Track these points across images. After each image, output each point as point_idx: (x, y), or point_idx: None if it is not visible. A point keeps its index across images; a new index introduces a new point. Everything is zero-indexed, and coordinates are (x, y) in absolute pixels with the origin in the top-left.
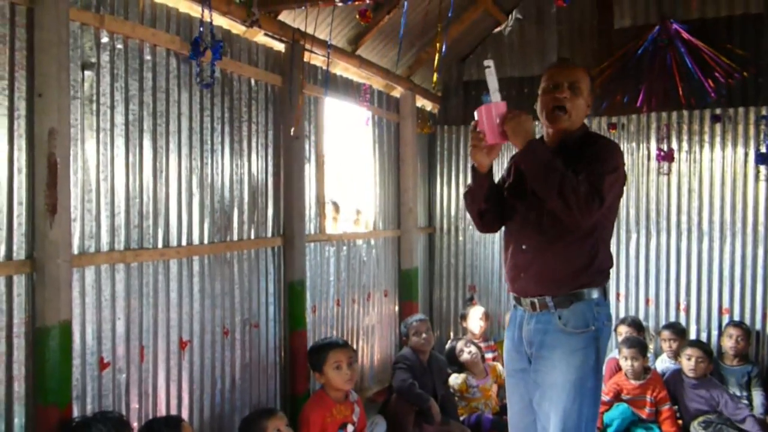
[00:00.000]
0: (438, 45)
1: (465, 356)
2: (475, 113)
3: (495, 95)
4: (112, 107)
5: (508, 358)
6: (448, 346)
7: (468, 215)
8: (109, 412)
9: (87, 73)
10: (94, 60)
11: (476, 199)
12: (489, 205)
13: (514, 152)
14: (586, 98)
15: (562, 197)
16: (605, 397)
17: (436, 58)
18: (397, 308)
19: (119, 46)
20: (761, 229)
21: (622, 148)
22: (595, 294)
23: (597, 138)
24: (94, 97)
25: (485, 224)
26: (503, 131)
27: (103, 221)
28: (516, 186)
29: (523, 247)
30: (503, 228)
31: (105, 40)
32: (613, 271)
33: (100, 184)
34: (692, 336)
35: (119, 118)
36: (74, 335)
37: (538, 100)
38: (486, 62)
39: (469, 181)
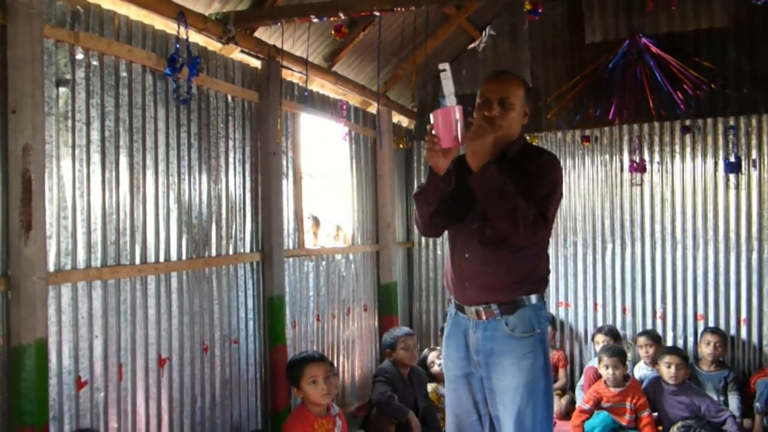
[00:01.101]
0: (414, 60)
1: (435, 368)
2: (431, 116)
3: (450, 99)
4: (88, 124)
5: (452, 365)
6: (425, 353)
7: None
8: (86, 430)
9: (62, 89)
10: (69, 77)
11: (430, 200)
12: (441, 207)
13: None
14: (520, 110)
15: (513, 222)
16: (586, 406)
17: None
18: (376, 323)
19: (94, 62)
20: (732, 236)
21: (595, 161)
22: (536, 299)
23: (538, 152)
24: (70, 114)
25: (433, 228)
26: (457, 136)
27: (79, 238)
28: (458, 192)
29: (467, 255)
30: (447, 233)
31: (80, 56)
32: (590, 282)
33: (76, 201)
34: (669, 343)
35: (95, 135)
36: (51, 354)
37: (474, 113)
38: (441, 66)
39: (423, 182)
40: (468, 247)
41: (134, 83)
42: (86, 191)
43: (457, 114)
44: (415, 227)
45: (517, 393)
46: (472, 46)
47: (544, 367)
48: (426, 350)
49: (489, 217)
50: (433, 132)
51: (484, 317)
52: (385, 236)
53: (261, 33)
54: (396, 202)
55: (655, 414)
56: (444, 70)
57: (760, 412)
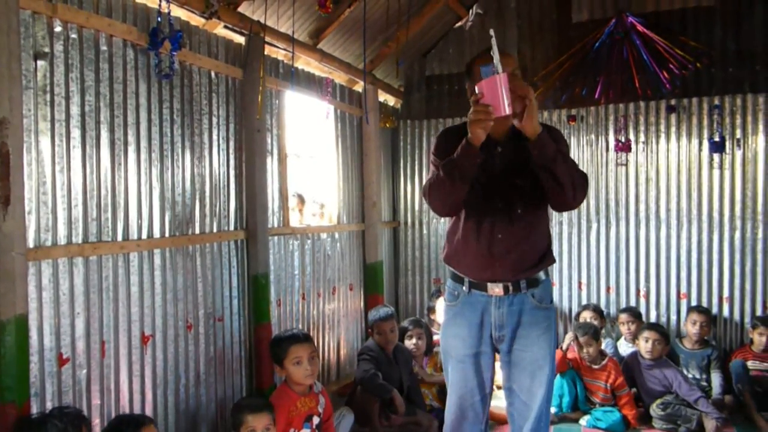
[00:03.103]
0: (398, 37)
1: (409, 343)
2: (476, 88)
3: (499, 66)
4: (67, 98)
5: (462, 344)
6: (402, 323)
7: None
8: (67, 407)
9: (40, 62)
10: (47, 49)
11: (465, 177)
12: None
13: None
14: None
15: (573, 184)
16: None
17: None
18: (362, 302)
19: (73, 35)
20: (716, 215)
21: (581, 140)
22: (545, 274)
23: (547, 128)
24: (48, 88)
25: (456, 208)
26: (508, 105)
27: (59, 214)
28: (479, 170)
29: (499, 236)
30: (463, 214)
31: (58, 29)
32: (574, 261)
33: (55, 176)
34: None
35: (75, 109)
36: (31, 331)
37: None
38: (491, 31)
39: (454, 158)
40: (499, 226)
41: (115, 57)
42: (66, 167)
43: (507, 81)
44: (430, 207)
45: (545, 361)
46: (458, 24)
47: (555, 337)
48: (408, 320)
49: (554, 180)
50: (482, 102)
51: (511, 292)
52: (371, 215)
53: (245, 8)
54: (382, 182)
55: (634, 390)
56: (492, 36)
57: (741, 392)
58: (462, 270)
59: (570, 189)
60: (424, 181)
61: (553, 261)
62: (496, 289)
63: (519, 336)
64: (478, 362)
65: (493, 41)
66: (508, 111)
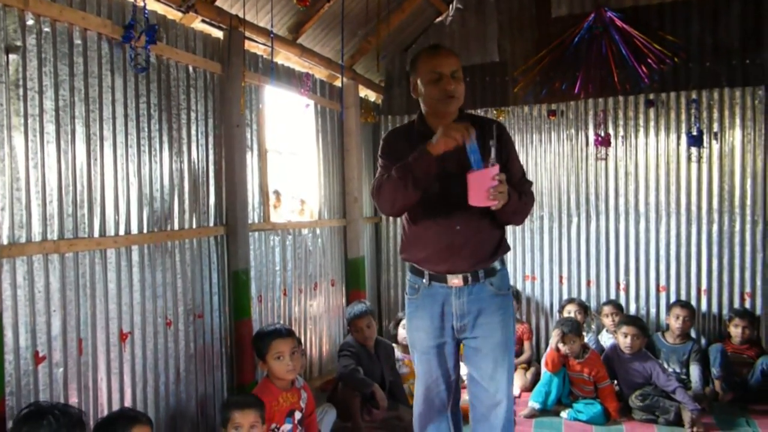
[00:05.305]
0: (379, 32)
1: (401, 333)
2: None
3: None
4: (41, 92)
5: (425, 336)
6: (399, 315)
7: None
8: (71, 407)
9: (12, 56)
10: (19, 43)
11: (418, 185)
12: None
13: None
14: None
15: (525, 215)
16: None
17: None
18: (344, 298)
19: (46, 29)
20: (694, 209)
21: (560, 135)
22: (501, 264)
23: (491, 122)
24: (21, 82)
25: (406, 209)
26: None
27: (33, 210)
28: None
29: (458, 227)
30: (417, 207)
31: (30, 22)
32: (555, 255)
33: (29, 172)
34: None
35: (49, 104)
36: (6, 329)
37: (424, 88)
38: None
39: (407, 164)
40: (458, 219)
41: (89, 51)
42: (40, 162)
43: (495, 173)
44: (377, 207)
45: (506, 346)
46: (439, 19)
47: (514, 324)
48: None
49: (508, 222)
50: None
51: (470, 282)
52: (352, 211)
53: (222, 2)
54: (363, 177)
55: (615, 383)
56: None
57: (717, 377)
58: (420, 263)
59: (521, 221)
60: None
61: (508, 249)
62: (455, 281)
63: (481, 323)
64: (442, 353)
65: (492, 142)
66: (484, 203)
